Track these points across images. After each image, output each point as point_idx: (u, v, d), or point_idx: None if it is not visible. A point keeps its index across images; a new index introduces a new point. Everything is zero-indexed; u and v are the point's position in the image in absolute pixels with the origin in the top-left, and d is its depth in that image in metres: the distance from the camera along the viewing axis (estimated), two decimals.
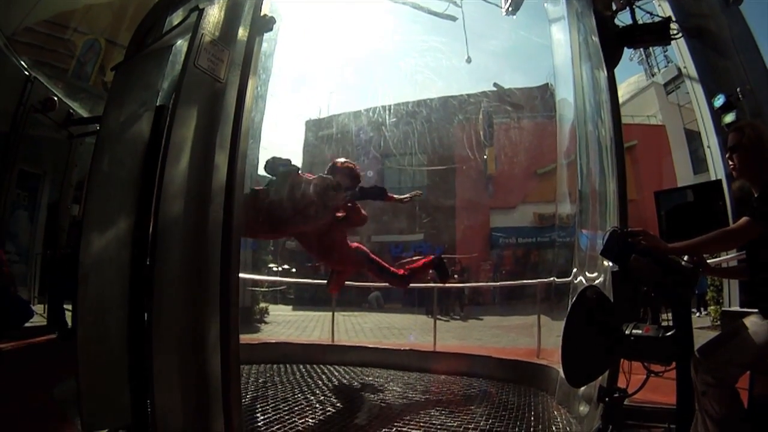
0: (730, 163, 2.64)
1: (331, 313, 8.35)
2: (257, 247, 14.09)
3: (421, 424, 3.93)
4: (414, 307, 16.75)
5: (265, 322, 12.69)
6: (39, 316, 7.43)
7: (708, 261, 2.94)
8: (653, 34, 4.32)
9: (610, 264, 3.27)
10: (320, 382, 5.36)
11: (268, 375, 5.65)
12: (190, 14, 2.78)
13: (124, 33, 8.69)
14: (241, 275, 2.86)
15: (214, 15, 2.74)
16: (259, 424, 3.77)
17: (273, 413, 4.07)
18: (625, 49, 4.35)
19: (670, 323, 2.54)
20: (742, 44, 7.03)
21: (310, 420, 3.99)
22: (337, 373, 5.84)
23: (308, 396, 4.75)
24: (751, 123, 2.75)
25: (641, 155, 19.78)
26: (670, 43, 5.17)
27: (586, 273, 4.23)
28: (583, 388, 3.79)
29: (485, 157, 22.30)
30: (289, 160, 4.49)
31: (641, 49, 18.32)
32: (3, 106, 7.30)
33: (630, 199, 3.93)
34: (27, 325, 5.48)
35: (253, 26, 2.91)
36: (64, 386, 4.05)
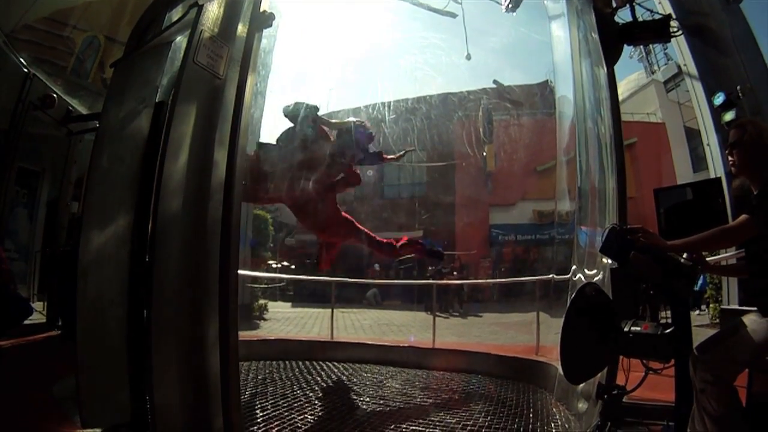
0: (730, 159, 2.64)
1: (330, 310, 8.34)
2: (256, 244, 14.08)
3: (420, 420, 3.94)
4: (413, 304, 16.76)
5: (264, 319, 12.68)
6: (38, 314, 7.43)
7: (707, 258, 2.94)
8: (653, 32, 4.31)
9: (609, 261, 3.27)
10: (319, 379, 5.37)
11: (267, 372, 5.66)
12: (190, 10, 2.78)
13: (124, 30, 8.67)
14: (240, 272, 2.87)
15: (213, 11, 2.74)
16: (259, 420, 3.77)
17: (272, 410, 4.08)
18: (625, 46, 4.35)
19: (669, 321, 2.54)
20: (743, 42, 7.02)
21: (309, 416, 3.99)
22: (336, 370, 5.84)
23: (307, 392, 4.75)
24: (752, 120, 2.74)
25: (641, 153, 19.78)
26: (670, 41, 5.16)
27: (585, 270, 4.24)
28: (581, 385, 3.79)
29: (485, 154, 22.26)
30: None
31: (641, 47, 18.25)
32: (2, 103, 7.29)
33: (629, 197, 3.93)
34: (26, 322, 5.46)
35: (252, 22, 2.91)
36: (63, 383, 4.06)
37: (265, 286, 13.70)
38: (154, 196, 2.53)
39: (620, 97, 4.35)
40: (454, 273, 19.75)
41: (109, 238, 2.77)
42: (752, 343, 2.32)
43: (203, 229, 2.60)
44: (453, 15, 7.98)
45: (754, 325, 2.36)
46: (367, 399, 4.63)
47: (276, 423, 3.73)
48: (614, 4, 4.39)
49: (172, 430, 2.44)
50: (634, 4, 4.54)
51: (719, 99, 6.74)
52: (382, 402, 4.54)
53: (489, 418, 4.02)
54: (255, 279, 12.02)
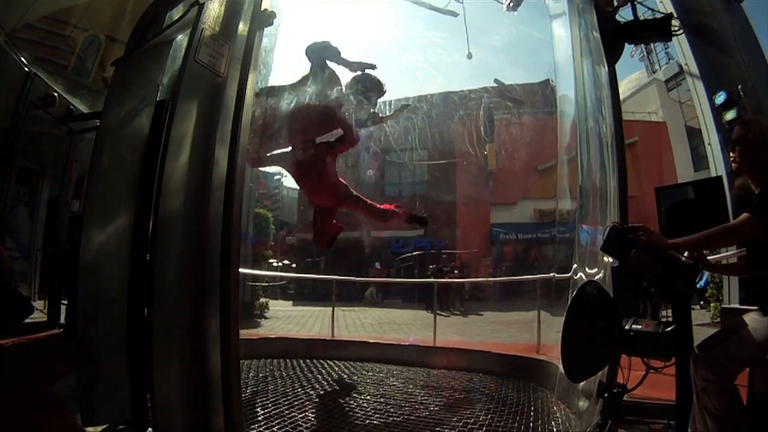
0: (731, 155, 2.64)
1: (331, 308, 8.34)
2: (257, 242, 14.09)
3: (421, 418, 3.94)
4: (414, 303, 16.78)
5: (265, 317, 12.70)
6: (39, 312, 7.44)
7: (708, 257, 2.94)
8: (654, 31, 4.31)
9: (611, 259, 3.27)
10: (320, 377, 5.38)
11: (268, 370, 5.67)
12: (190, 9, 2.78)
13: (124, 29, 8.67)
14: (241, 270, 2.87)
15: (214, 9, 2.73)
16: (260, 418, 3.78)
17: (273, 408, 4.08)
18: (626, 45, 4.35)
19: (670, 319, 2.55)
20: (744, 41, 7.01)
21: (310, 415, 4.00)
22: (337, 368, 5.85)
23: (308, 391, 4.76)
24: (756, 119, 2.74)
25: (642, 152, 19.75)
26: (671, 40, 5.16)
27: (587, 268, 4.24)
28: (582, 384, 3.80)
29: (486, 152, 22.27)
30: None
31: (642, 46, 18.28)
32: (3, 102, 7.29)
33: (630, 196, 3.93)
34: (27, 321, 5.47)
35: (253, 21, 2.91)
36: (64, 382, 4.07)
37: (266, 284, 13.71)
38: (155, 194, 2.53)
39: (621, 96, 4.34)
40: (455, 272, 19.77)
41: (110, 236, 2.77)
42: (753, 341, 2.32)
43: (204, 228, 2.60)
44: (454, 14, 7.98)
45: (754, 323, 2.36)
46: (368, 397, 4.64)
47: (277, 421, 3.73)
48: (615, 3, 4.39)
49: (173, 428, 2.44)
50: (635, 2, 4.54)
51: (720, 98, 6.74)
52: (383, 400, 4.54)
53: (490, 416, 4.02)
54: (256, 277, 12.02)
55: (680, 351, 2.45)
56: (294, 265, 22.74)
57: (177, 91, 2.59)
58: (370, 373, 5.67)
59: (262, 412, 3.96)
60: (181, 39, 3.06)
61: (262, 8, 2.96)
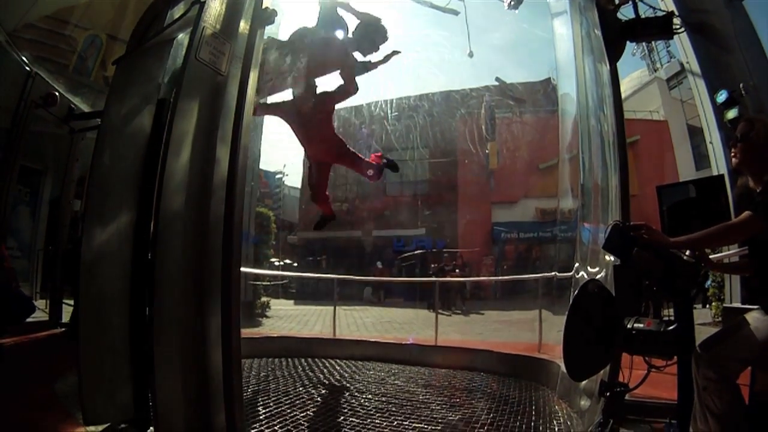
0: (732, 151, 2.63)
1: (332, 308, 8.34)
2: (259, 242, 14.11)
3: (423, 417, 3.94)
4: (415, 302, 16.80)
5: (267, 317, 12.71)
6: (41, 311, 7.45)
7: (710, 256, 2.93)
8: (656, 29, 4.30)
9: (612, 258, 3.27)
10: (321, 376, 5.38)
11: (269, 369, 5.67)
12: (191, 7, 2.78)
13: (126, 28, 8.68)
14: (242, 269, 2.87)
15: (215, 8, 2.74)
16: (261, 417, 3.78)
17: (274, 407, 4.08)
18: (628, 43, 4.34)
19: (672, 318, 2.54)
20: (746, 40, 7.00)
21: (311, 413, 4.00)
22: (338, 367, 5.85)
23: (310, 390, 4.76)
24: (762, 118, 2.73)
25: (643, 150, 19.74)
26: (672, 38, 5.15)
27: (588, 267, 4.23)
28: (584, 383, 3.79)
29: (487, 151, 22.31)
30: None
31: (644, 45, 18.25)
32: (4, 101, 7.30)
33: (632, 194, 3.92)
34: (29, 320, 5.48)
35: (254, 19, 2.91)
36: (66, 381, 4.07)
37: (268, 283, 13.72)
38: (157, 193, 2.53)
39: (623, 95, 4.33)
40: (457, 270, 19.80)
41: (111, 235, 2.78)
42: (755, 340, 2.32)
43: (206, 227, 2.60)
44: (455, 12, 7.96)
45: (756, 322, 2.36)
46: (370, 396, 4.63)
47: (278, 420, 3.73)
48: (617, 1, 4.38)
49: (175, 427, 2.44)
50: (636, 1, 4.53)
51: (722, 96, 6.72)
52: (384, 399, 4.54)
53: (491, 415, 4.02)
54: (257, 276, 12.03)
55: (682, 350, 2.45)
56: (295, 264, 22.77)
57: (178, 90, 2.59)
58: (372, 372, 5.67)
59: (263, 411, 3.96)
60: (183, 38, 3.07)
61: (263, 6, 2.96)
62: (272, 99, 5.04)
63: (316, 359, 6.23)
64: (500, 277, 20.99)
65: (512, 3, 5.72)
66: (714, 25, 7.35)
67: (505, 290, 18.78)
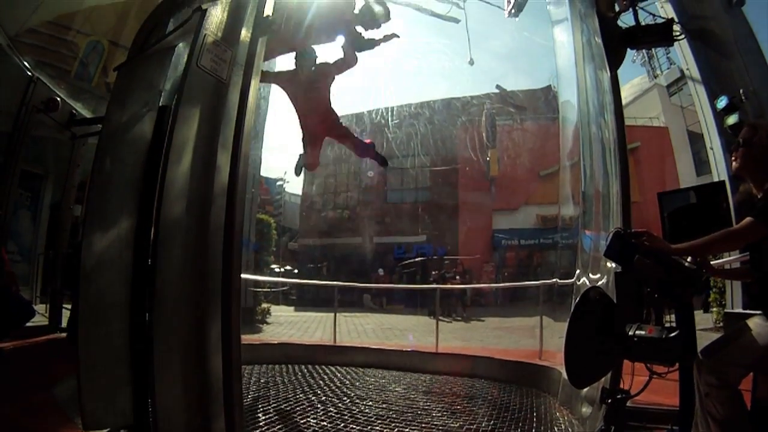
0: (734, 155, 2.63)
1: (333, 314, 8.33)
2: (259, 248, 14.13)
3: (423, 424, 3.93)
4: (416, 309, 16.80)
5: (267, 323, 12.71)
6: (40, 316, 7.45)
7: (711, 262, 2.93)
8: (656, 36, 4.32)
9: (614, 265, 3.27)
10: (322, 383, 5.36)
11: (269, 375, 5.66)
12: (193, 15, 2.79)
13: (127, 34, 8.72)
14: (242, 276, 2.87)
15: (216, 15, 2.74)
16: (261, 424, 3.77)
17: (275, 413, 4.08)
18: (628, 50, 4.35)
19: (674, 324, 2.54)
20: (745, 45, 7.02)
21: (311, 420, 3.99)
22: (339, 374, 5.84)
23: (310, 396, 4.75)
24: (766, 125, 2.74)
25: (644, 157, 19.77)
26: (672, 44, 5.16)
27: (590, 274, 4.23)
28: (585, 390, 3.78)
29: (488, 158, 22.36)
30: None
31: (644, 51, 18.29)
32: (6, 106, 7.33)
33: (633, 201, 3.92)
34: (28, 324, 5.48)
35: (255, 27, 2.91)
36: (65, 385, 4.06)
37: (268, 290, 13.73)
38: (157, 199, 2.53)
39: (623, 102, 4.34)
40: (457, 277, 19.81)
41: (112, 241, 2.78)
42: (757, 346, 2.31)
43: (206, 233, 2.60)
44: (456, 20, 8.01)
45: (758, 328, 2.35)
46: (370, 403, 4.62)
47: (278, 427, 3.73)
48: (617, 8, 4.40)
49: None
50: (637, 8, 4.54)
51: (722, 102, 6.72)
52: (385, 406, 4.53)
53: (492, 422, 4.01)
54: (258, 283, 12.04)
55: (684, 356, 2.44)
56: (296, 271, 22.79)
57: (179, 97, 2.60)
58: (372, 379, 5.66)
59: (263, 417, 3.95)
60: (184, 45, 3.07)
61: (264, 14, 2.97)
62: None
63: (317, 366, 6.22)
64: (501, 284, 20.98)
65: (513, 11, 5.75)
66: (714, 31, 7.38)
67: (506, 297, 18.80)
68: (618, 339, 2.64)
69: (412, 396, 4.95)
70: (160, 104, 3.07)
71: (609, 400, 3.39)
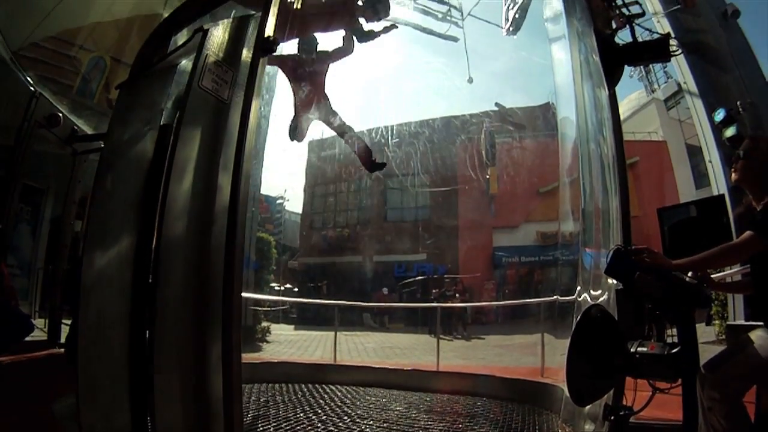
0: (733, 167, 2.65)
1: (333, 333, 8.30)
2: (259, 267, 14.12)
3: None
4: (417, 327, 16.74)
5: (267, 341, 12.65)
6: (39, 330, 7.41)
7: (712, 276, 2.93)
8: (653, 52, 4.35)
9: (615, 282, 3.26)
10: (322, 402, 5.32)
11: (270, 394, 5.61)
12: (195, 35, 2.81)
13: (130, 51, 8.78)
14: (243, 294, 2.86)
15: (218, 36, 2.77)
16: None
17: None
18: (626, 67, 4.38)
19: (676, 340, 2.53)
20: (741, 58, 7.08)
21: None
22: (339, 393, 5.79)
23: (310, 415, 4.71)
24: (767, 138, 2.78)
25: (643, 171, 19.83)
26: (670, 60, 5.21)
27: (591, 291, 4.22)
28: (588, 407, 3.76)
29: (488, 176, 22.42)
30: None
31: (641, 66, 18.44)
32: (8, 120, 7.37)
33: (633, 216, 3.93)
34: (27, 339, 5.45)
35: (256, 48, 2.94)
36: (63, 402, 4.03)
37: (268, 308, 13.69)
38: (158, 217, 2.54)
39: (621, 117, 4.37)
40: (458, 296, 19.77)
41: (112, 258, 2.77)
42: (759, 359, 2.31)
43: (207, 252, 2.60)
44: (455, 39, 8.09)
45: (760, 341, 2.35)
46: (371, 422, 4.58)
47: None
48: (614, 25, 4.44)
49: None
50: (633, 24, 4.58)
51: (720, 115, 6.77)
52: (385, 425, 4.49)
53: None
54: (258, 301, 12.01)
55: (686, 371, 2.43)
56: (296, 290, 22.73)
57: (181, 116, 2.62)
58: (373, 398, 5.61)
59: None
60: (185, 64, 3.10)
61: (266, 35, 3.00)
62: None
63: (317, 385, 6.17)
64: (502, 302, 20.91)
65: (511, 29, 5.80)
66: (710, 44, 7.45)
67: (507, 314, 18.72)
68: (620, 356, 2.63)
69: (414, 415, 4.91)
70: (162, 123, 3.09)
71: (612, 417, 3.37)
